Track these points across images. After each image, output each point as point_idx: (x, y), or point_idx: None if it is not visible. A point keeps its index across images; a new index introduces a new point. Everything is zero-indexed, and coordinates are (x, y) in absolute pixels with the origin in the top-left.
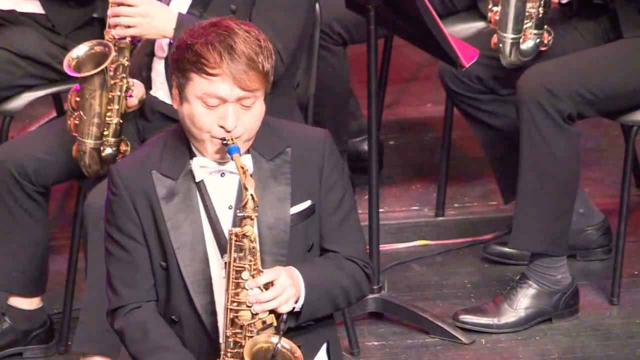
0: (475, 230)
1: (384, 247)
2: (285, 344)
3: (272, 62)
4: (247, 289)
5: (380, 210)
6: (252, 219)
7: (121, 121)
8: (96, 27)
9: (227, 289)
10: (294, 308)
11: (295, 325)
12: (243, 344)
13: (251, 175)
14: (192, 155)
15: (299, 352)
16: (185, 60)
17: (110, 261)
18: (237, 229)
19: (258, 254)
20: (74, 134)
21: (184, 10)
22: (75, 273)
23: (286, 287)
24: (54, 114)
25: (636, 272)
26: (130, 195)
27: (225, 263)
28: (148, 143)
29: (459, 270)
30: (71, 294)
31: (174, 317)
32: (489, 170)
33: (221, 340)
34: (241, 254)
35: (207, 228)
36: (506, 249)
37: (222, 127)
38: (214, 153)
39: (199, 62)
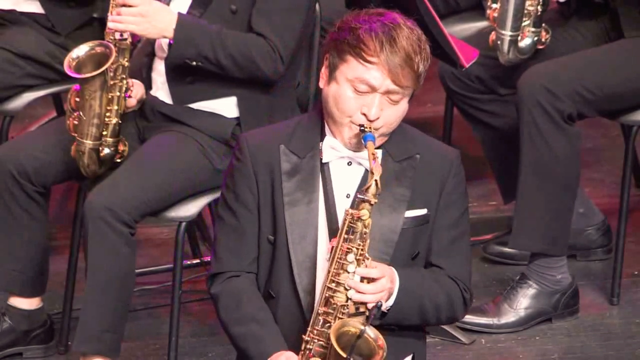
0: (475, 230)
1: None
2: (371, 332)
3: (427, 65)
4: (349, 272)
5: None
6: (370, 204)
7: (120, 121)
8: (96, 27)
9: (330, 268)
10: (381, 306)
11: (378, 324)
12: (331, 324)
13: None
14: (323, 137)
15: (382, 341)
16: (345, 42)
17: (220, 226)
18: (354, 211)
19: (368, 240)
20: (73, 134)
21: (184, 11)
22: (75, 273)
23: (384, 289)
24: (54, 114)
25: (636, 272)
26: (254, 164)
27: (332, 246)
28: (283, 121)
29: None
30: (71, 294)
31: (272, 292)
32: (489, 170)
33: (312, 316)
34: (352, 236)
35: (322, 210)
36: (506, 249)
37: (364, 114)
38: (349, 139)
39: (359, 47)
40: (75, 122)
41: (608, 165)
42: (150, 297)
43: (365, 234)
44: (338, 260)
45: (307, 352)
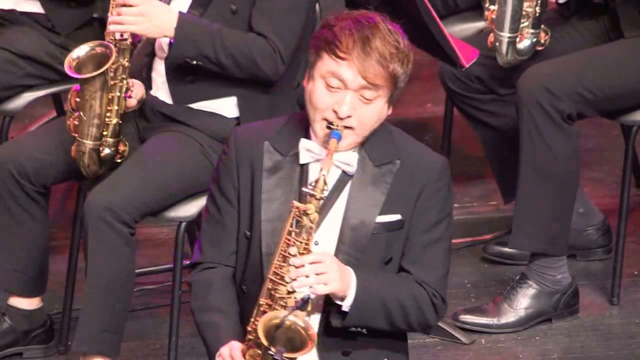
0: (475, 230)
1: None
2: (300, 321)
3: (405, 68)
4: (291, 265)
5: None
6: (317, 199)
7: (120, 122)
8: (96, 27)
9: (273, 260)
10: (340, 307)
11: (341, 325)
12: None
13: (347, 173)
14: (307, 136)
15: (312, 331)
16: (322, 39)
17: (205, 218)
18: (300, 204)
19: (313, 235)
20: (73, 134)
21: (184, 11)
22: (75, 273)
23: (330, 270)
24: (54, 114)
25: (636, 272)
26: (237, 158)
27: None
28: (277, 118)
29: (459, 270)
30: (71, 294)
31: (244, 287)
32: (489, 170)
33: (255, 308)
34: (297, 230)
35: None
36: (506, 249)
37: (335, 112)
38: (322, 137)
39: (333, 44)
40: (76, 123)
41: (608, 165)
42: (150, 297)
43: (311, 228)
44: (281, 253)
45: (250, 342)
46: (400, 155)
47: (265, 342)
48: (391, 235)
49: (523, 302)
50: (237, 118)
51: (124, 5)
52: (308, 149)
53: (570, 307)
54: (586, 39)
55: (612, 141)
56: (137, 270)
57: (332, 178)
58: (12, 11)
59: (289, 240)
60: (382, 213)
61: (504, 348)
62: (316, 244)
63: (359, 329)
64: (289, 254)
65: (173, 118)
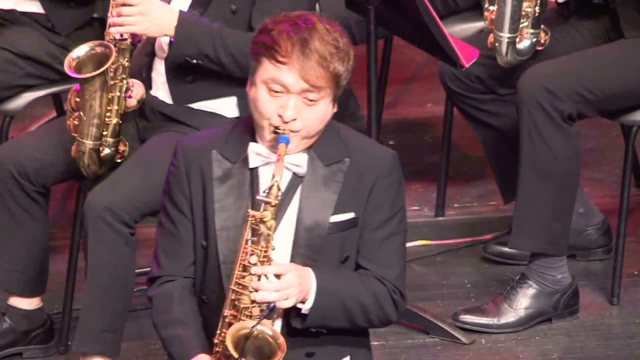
0: (475, 230)
1: None
2: (268, 330)
3: (346, 66)
4: (252, 274)
5: None
6: (272, 206)
7: (120, 122)
8: (96, 27)
9: (234, 271)
10: (300, 309)
11: (301, 327)
12: None
13: (300, 176)
14: (255, 141)
15: (281, 340)
16: (261, 44)
17: (160, 231)
18: (256, 212)
19: (271, 242)
20: (73, 134)
21: (184, 10)
22: (75, 273)
23: (291, 285)
24: (54, 114)
25: (636, 272)
26: (187, 170)
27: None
28: (220, 125)
29: (459, 270)
30: (71, 294)
31: (204, 297)
32: (489, 170)
33: (220, 320)
34: (255, 238)
35: None
36: (506, 249)
37: (280, 116)
38: (269, 141)
39: (272, 48)
40: (76, 122)
41: (608, 165)
42: None
43: (268, 235)
44: (241, 262)
45: (218, 354)
46: (350, 153)
47: (235, 354)
48: (346, 234)
49: (523, 302)
50: (237, 118)
51: (124, 5)
52: (257, 153)
53: (570, 307)
54: (586, 39)
55: (612, 141)
56: (137, 270)
57: (284, 181)
58: (12, 11)
59: (247, 249)
60: (335, 212)
61: (504, 348)
62: (273, 249)
63: (320, 329)
64: (249, 262)
65: (173, 118)
